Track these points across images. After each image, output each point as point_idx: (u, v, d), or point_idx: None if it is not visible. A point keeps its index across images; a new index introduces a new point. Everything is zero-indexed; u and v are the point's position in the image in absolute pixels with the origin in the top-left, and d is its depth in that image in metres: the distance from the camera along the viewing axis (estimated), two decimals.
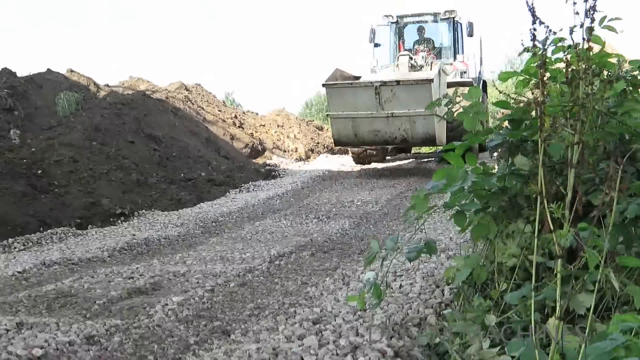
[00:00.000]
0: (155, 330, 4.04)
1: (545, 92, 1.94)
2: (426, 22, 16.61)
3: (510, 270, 3.87)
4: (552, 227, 1.80)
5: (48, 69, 15.33)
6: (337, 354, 3.27)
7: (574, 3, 2.02)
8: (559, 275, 1.76)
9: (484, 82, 17.61)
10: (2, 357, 3.45)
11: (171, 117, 14.66)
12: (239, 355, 3.34)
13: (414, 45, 16.62)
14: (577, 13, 2.06)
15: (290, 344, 3.50)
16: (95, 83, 16.34)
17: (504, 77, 4.41)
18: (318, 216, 9.34)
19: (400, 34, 17.02)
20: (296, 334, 3.70)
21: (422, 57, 15.56)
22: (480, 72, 17.20)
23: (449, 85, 13.86)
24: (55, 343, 3.72)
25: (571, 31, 2.40)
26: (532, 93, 3.73)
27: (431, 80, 11.59)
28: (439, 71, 12.55)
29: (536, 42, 3.03)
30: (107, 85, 16.97)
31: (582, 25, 2.59)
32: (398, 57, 14.77)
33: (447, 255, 5.67)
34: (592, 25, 2.74)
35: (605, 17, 3.14)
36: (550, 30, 2.86)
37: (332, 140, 14.28)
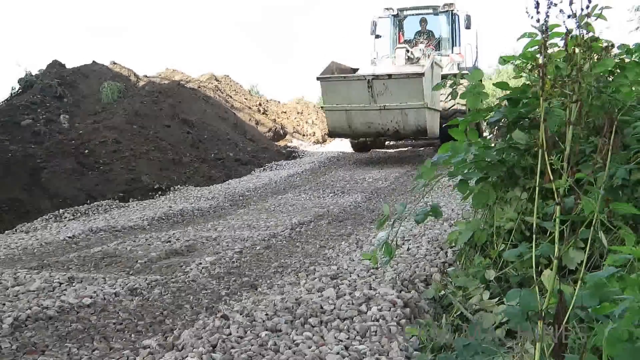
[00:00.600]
0: (190, 284, 4.09)
1: (546, 56, 1.91)
2: (426, 14, 15.65)
3: (507, 232, 3.87)
4: (552, 177, 1.79)
5: (93, 61, 15.39)
6: (352, 304, 3.29)
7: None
8: (557, 220, 1.76)
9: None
10: (56, 304, 3.51)
11: (203, 104, 14.67)
12: (266, 304, 3.36)
13: (414, 37, 15.58)
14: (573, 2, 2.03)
15: (311, 295, 3.53)
16: (135, 74, 16.38)
17: (506, 59, 4.37)
18: (334, 191, 9.34)
19: (400, 26, 16.03)
20: (316, 287, 3.73)
21: (420, 50, 14.40)
22: (475, 64, 16.10)
23: (444, 77, 12.69)
24: (102, 294, 3.77)
25: (569, 16, 2.37)
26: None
27: (422, 74, 10.85)
28: (432, 64, 11.65)
29: (536, 23, 3.02)
30: (146, 76, 16.99)
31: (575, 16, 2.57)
32: (395, 50, 13.70)
33: (450, 224, 5.68)
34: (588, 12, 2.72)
35: (596, 5, 3.11)
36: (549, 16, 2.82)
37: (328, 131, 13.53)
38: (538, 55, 2.16)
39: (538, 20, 1.91)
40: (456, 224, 4.57)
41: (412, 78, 10.95)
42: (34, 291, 3.90)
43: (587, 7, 2.66)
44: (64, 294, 3.78)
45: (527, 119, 4.10)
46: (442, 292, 3.62)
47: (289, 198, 8.77)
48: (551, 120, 3.57)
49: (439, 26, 15.64)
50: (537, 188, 1.98)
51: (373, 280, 3.83)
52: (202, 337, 2.82)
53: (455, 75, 13.77)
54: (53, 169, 9.77)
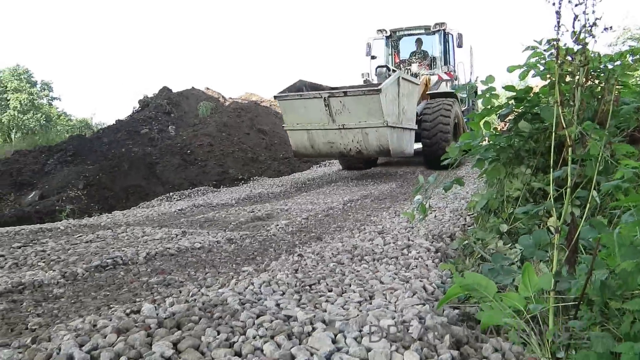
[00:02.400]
0: (272, 237, 4.13)
1: (559, 53, 1.88)
2: (418, 34, 12.72)
3: (515, 199, 3.80)
4: (564, 125, 1.76)
5: (192, 87, 15.69)
6: (396, 249, 3.28)
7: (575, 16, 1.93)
8: (569, 159, 1.72)
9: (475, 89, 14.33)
10: (175, 246, 3.60)
11: (273, 118, 14.77)
12: (330, 248, 3.38)
13: (409, 57, 12.73)
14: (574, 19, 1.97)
15: (364, 243, 3.53)
16: (222, 96, 16.62)
17: (512, 69, 4.29)
18: (374, 180, 9.28)
19: (395, 46, 13.01)
20: (367, 238, 3.73)
21: (417, 67, 12.18)
22: (470, 79, 13.35)
23: (433, 95, 11.02)
24: (208, 241, 3.85)
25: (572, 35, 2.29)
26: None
27: (379, 91, 7.76)
28: (397, 80, 8.45)
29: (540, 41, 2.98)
30: (231, 98, 17.22)
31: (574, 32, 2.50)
32: (376, 69, 10.18)
33: (466, 201, 5.60)
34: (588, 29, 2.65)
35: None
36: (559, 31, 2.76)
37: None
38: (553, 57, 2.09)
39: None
40: (473, 195, 4.51)
41: (368, 95, 7.94)
42: (158, 239, 4.01)
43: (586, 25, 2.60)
44: (180, 241, 3.88)
45: (529, 113, 4.03)
46: (466, 242, 3.58)
47: (340, 185, 8.77)
48: (549, 112, 3.52)
49: (432, 46, 12.91)
50: (551, 157, 1.95)
51: (410, 235, 3.81)
52: (285, 265, 2.86)
53: (445, 94, 10.85)
54: (164, 164, 10.01)
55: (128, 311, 1.90)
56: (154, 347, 1.44)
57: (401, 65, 12.23)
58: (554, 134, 2.06)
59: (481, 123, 4.06)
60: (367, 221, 4.88)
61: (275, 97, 8.79)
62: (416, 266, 2.88)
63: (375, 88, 7.87)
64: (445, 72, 11.94)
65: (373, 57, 12.46)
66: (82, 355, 1.37)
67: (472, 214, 4.68)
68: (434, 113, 9.93)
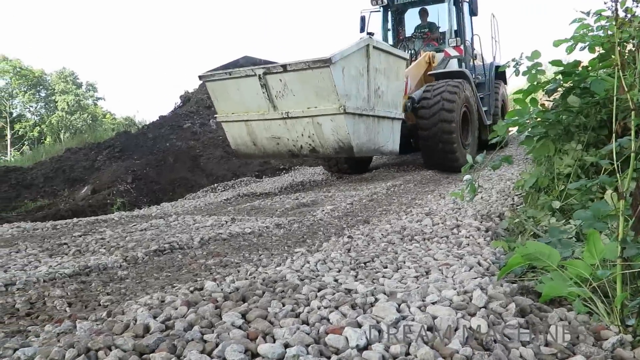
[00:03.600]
0: (319, 222, 4.16)
1: (617, 15, 1.81)
2: (423, 3, 9.84)
3: (565, 176, 3.71)
4: (626, 89, 1.70)
5: None
6: (446, 228, 3.25)
7: None
8: (633, 123, 1.67)
9: (497, 68, 10.38)
10: (227, 232, 3.67)
11: None
12: (379, 230, 3.38)
13: (414, 32, 9.94)
14: None
15: (412, 224, 3.51)
16: None
17: (558, 43, 4.17)
18: (415, 166, 9.18)
19: (397, 20, 10.24)
20: (415, 219, 3.71)
21: (420, 43, 9.62)
22: (495, 57, 10.66)
23: (436, 76, 8.48)
24: (257, 227, 3.90)
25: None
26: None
27: (327, 62, 5.39)
28: (365, 49, 5.98)
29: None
30: None
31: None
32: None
33: (512, 182, 5.49)
34: None
35: None
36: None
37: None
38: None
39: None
40: (522, 174, 4.42)
41: (315, 69, 5.54)
42: (209, 226, 4.10)
43: None
44: (230, 227, 3.95)
45: (578, 88, 3.92)
46: (516, 220, 3.52)
47: (381, 171, 8.73)
48: (599, 84, 3.41)
49: (439, 16, 10.10)
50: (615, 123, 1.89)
51: (458, 215, 3.77)
52: (337, 246, 2.88)
53: (451, 74, 8.44)
54: (207, 156, 10.19)
55: (192, 289, 1.95)
56: (224, 317, 1.48)
57: (405, 43, 9.78)
58: (615, 100, 2.00)
59: (527, 99, 3.97)
60: (412, 204, 4.85)
61: (200, 77, 6.49)
62: (468, 244, 2.85)
63: (323, 58, 5.45)
64: (453, 47, 9.18)
65: (370, 34, 8.42)
66: (158, 325, 1.42)
67: (521, 194, 4.59)
68: (433, 98, 7.60)
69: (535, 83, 4.04)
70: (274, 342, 1.30)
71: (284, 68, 5.72)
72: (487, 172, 6.40)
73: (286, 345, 1.27)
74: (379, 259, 2.43)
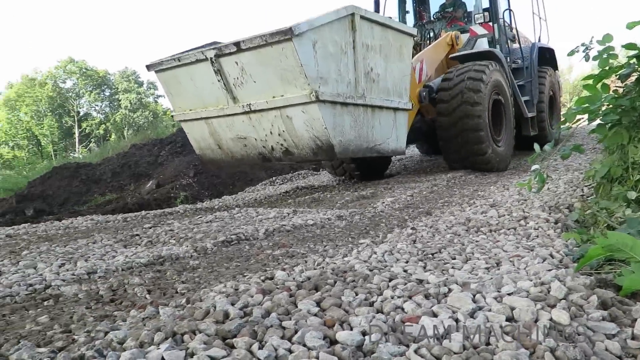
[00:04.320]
0: (380, 214, 4.15)
1: None
2: None
3: None
4: None
5: None
6: (512, 220, 3.18)
7: None
8: None
9: (546, 52, 9.38)
10: (290, 223, 3.73)
11: None
12: (443, 221, 3.34)
13: (439, 11, 8.50)
14: None
15: (477, 215, 3.45)
16: None
17: (631, 25, 3.98)
18: None
19: (418, 1, 8.96)
20: (479, 211, 3.64)
21: (442, 24, 8.20)
22: (539, 37, 9.19)
23: (459, 59, 7.24)
24: (319, 218, 3.94)
25: None
26: None
27: (289, 32, 4.13)
28: (348, 19, 4.69)
29: None
30: None
31: None
32: None
33: (580, 172, 5.29)
34: None
35: None
36: None
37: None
38: None
39: None
40: (592, 164, 4.25)
41: (275, 45, 4.27)
42: (272, 217, 4.17)
43: None
44: (293, 219, 4.01)
45: None
46: (588, 212, 3.39)
47: (441, 162, 8.58)
48: None
49: None
50: None
51: (524, 207, 3.67)
52: (401, 237, 2.87)
53: (477, 55, 7.14)
54: None
55: (262, 278, 2.00)
56: (299, 305, 1.52)
57: (427, 27, 8.44)
58: None
59: (598, 86, 3.81)
60: (474, 195, 4.76)
61: (147, 67, 5.36)
62: (537, 236, 2.77)
63: (283, 29, 4.18)
64: (479, 24, 7.79)
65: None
66: (236, 312, 1.47)
67: (591, 184, 4.41)
68: (455, 87, 6.44)
69: (607, 68, 3.87)
70: (351, 329, 1.32)
71: (238, 47, 4.48)
72: (554, 163, 6.18)
73: (364, 333, 1.29)
74: (446, 250, 2.41)
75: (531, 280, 1.64)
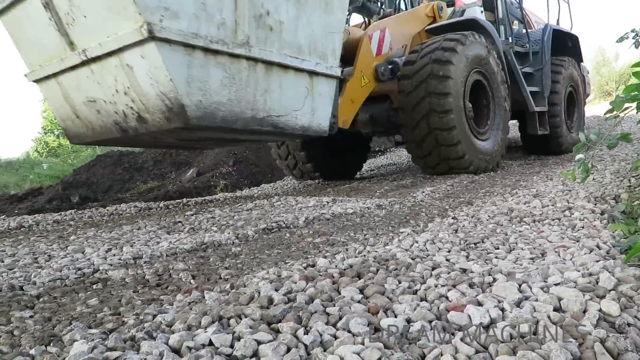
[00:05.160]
0: (419, 203, 4.12)
1: None
2: None
3: None
4: None
5: None
6: (556, 210, 3.10)
7: None
8: None
9: (567, 40, 8.00)
10: (329, 212, 3.75)
11: None
12: (484, 211, 3.29)
13: None
14: None
15: (519, 205, 3.38)
16: None
17: None
18: (517, 147, 8.83)
19: None
20: (522, 201, 3.57)
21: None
22: (557, 20, 7.97)
23: (434, 32, 6.15)
24: (358, 207, 3.94)
25: None
26: None
27: None
28: None
29: None
30: None
31: None
32: None
33: (626, 162, 5.11)
34: None
35: None
36: None
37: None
38: None
39: None
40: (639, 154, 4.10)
41: None
42: (311, 206, 4.20)
43: None
44: (332, 208, 4.02)
45: None
46: (635, 202, 3.28)
47: None
48: None
49: None
50: None
51: (569, 197, 3.58)
52: (443, 227, 2.85)
53: (453, 25, 5.89)
54: None
55: (304, 265, 2.03)
56: (342, 292, 1.53)
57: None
58: None
59: None
60: (517, 186, 4.67)
61: None
62: (582, 227, 2.70)
63: None
64: None
65: None
66: (280, 297, 1.50)
67: (639, 175, 4.27)
68: (419, 61, 5.30)
69: None
70: (395, 317, 1.33)
71: None
72: (599, 152, 6.00)
73: (408, 321, 1.29)
74: (489, 240, 2.38)
75: (578, 271, 1.61)
